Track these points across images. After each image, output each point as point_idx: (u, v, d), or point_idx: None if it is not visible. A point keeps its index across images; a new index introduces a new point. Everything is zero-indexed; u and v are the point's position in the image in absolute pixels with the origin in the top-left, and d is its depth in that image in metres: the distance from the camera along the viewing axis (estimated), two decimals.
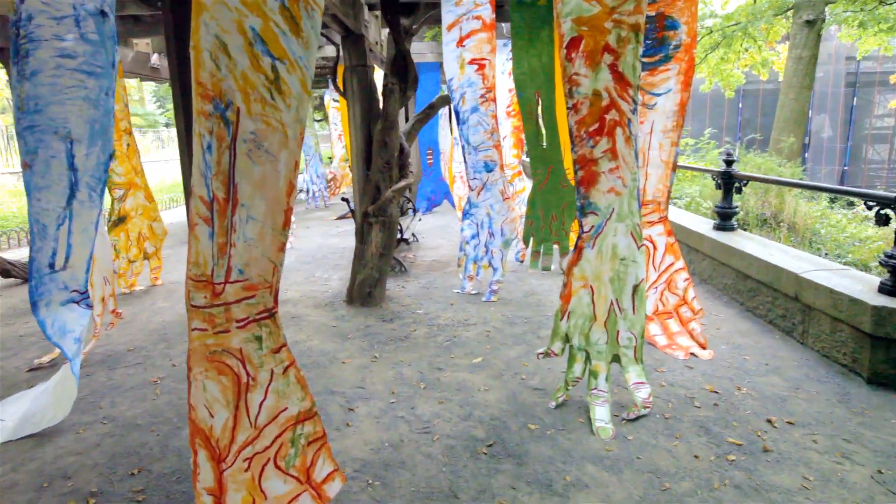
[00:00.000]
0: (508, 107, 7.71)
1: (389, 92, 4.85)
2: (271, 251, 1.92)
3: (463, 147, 5.16)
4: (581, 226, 3.03)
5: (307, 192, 11.82)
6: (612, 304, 3.06)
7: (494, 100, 5.07)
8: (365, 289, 4.88)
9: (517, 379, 3.39)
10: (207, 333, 1.90)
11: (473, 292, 5.23)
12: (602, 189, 2.96)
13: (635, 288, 3.03)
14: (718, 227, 5.16)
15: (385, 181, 4.93)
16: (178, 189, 14.33)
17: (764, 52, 15.63)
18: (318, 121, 16.52)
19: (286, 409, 1.97)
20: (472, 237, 5.26)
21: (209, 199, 1.84)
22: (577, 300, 3.06)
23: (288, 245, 7.71)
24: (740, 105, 23.14)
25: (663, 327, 3.98)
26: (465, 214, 5.28)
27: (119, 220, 5.41)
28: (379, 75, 7.22)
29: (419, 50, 8.18)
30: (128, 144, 5.30)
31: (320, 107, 15.70)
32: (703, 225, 5.47)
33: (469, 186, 5.23)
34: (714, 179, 5.29)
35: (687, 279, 4.01)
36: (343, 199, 6.39)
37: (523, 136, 8.22)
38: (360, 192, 5.10)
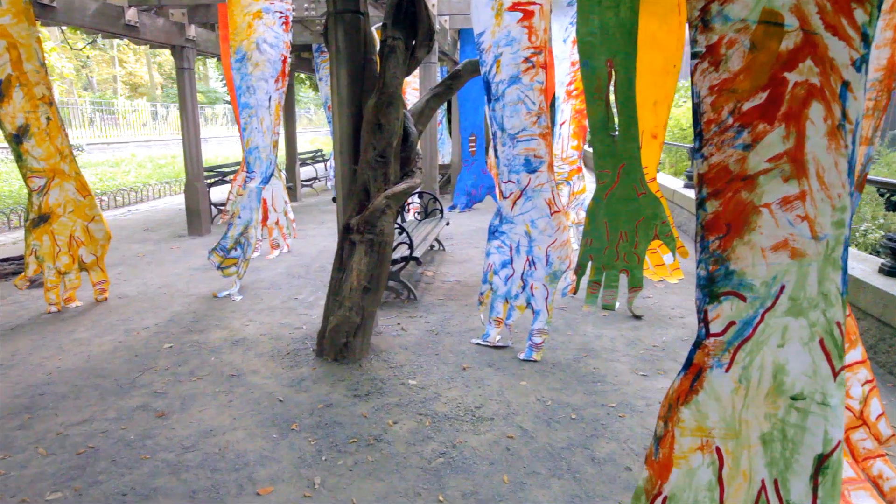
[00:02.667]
0: (570, 84, 5.99)
1: (389, 51, 3.28)
2: None
3: (495, 135, 3.53)
4: (705, 321, 1.38)
5: (333, 179, 10.45)
6: (762, 491, 1.40)
7: (545, 66, 3.40)
8: (340, 338, 3.37)
9: None
10: None
11: (501, 344, 3.63)
12: (761, 244, 1.30)
13: (822, 461, 1.37)
14: (889, 271, 3.31)
15: (378, 181, 3.38)
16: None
17: None
18: None
19: None
20: (503, 265, 3.65)
21: None
22: (686, 476, 1.43)
23: (283, 248, 6.34)
24: None
25: None
26: (493, 233, 3.66)
27: (40, 220, 4.12)
28: None
29: (459, 9, 6.48)
30: (48, 118, 3.97)
31: None
32: (860, 264, 3.62)
33: (500, 192, 3.61)
34: (883, 194, 3.43)
35: (869, 381, 2.26)
36: (334, 200, 4.97)
37: (587, 122, 6.51)
38: (345, 195, 3.57)
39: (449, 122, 11.38)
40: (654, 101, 4.60)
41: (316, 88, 12.82)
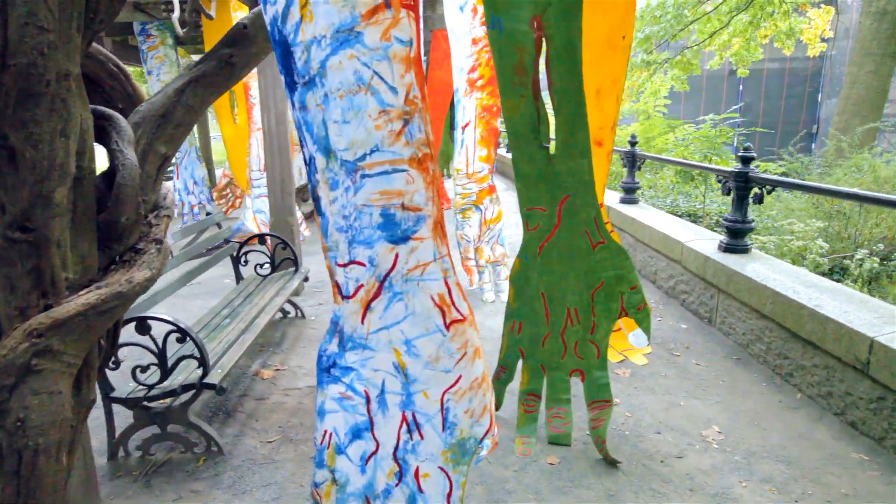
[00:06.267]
0: (472, 71, 4.22)
1: None
2: None
3: (311, 162, 1.61)
4: None
5: (180, 205, 8.01)
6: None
7: (414, 6, 1.52)
8: None
9: None
10: None
11: None
12: None
13: None
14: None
15: (20, 291, 1.35)
16: None
17: (791, 19, 12.72)
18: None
19: None
20: (354, 434, 1.73)
21: None
22: None
23: None
24: (741, 88, 20.09)
25: None
26: (328, 370, 1.74)
27: None
28: None
29: None
30: None
31: None
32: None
33: (337, 288, 1.68)
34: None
35: None
36: (225, 241, 3.43)
37: (501, 122, 4.66)
38: None
39: None
40: (595, 89, 2.81)
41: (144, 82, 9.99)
